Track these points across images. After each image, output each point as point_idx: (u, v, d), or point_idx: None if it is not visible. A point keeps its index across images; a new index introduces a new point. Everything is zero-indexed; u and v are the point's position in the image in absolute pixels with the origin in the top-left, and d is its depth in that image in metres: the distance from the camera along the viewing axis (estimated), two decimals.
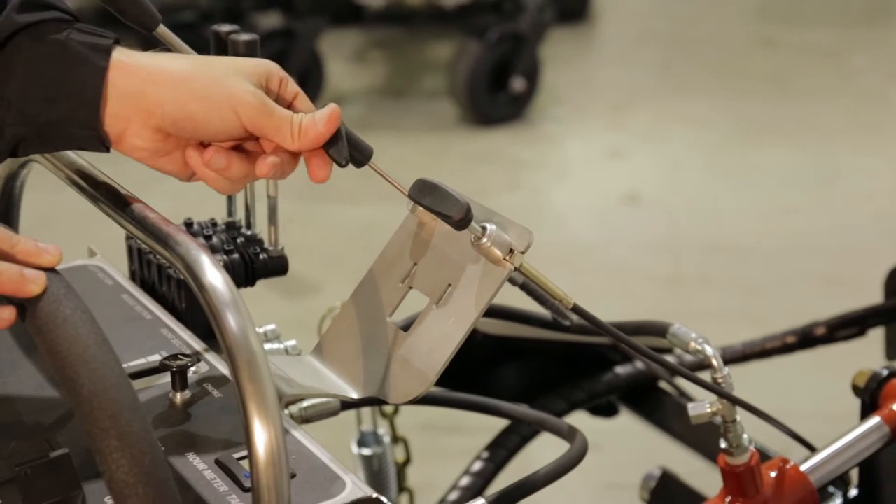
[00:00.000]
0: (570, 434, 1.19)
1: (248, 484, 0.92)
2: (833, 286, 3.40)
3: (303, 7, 4.67)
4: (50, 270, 0.90)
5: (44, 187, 1.35)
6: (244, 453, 0.93)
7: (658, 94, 4.97)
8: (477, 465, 1.52)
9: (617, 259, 3.62)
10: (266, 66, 1.00)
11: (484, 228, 1.01)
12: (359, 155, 1.02)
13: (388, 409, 1.60)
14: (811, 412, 2.34)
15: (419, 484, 1.73)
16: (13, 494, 0.87)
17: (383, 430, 1.62)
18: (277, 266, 1.22)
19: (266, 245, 1.23)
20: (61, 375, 0.83)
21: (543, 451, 1.45)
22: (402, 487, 1.66)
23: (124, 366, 0.85)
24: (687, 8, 6.10)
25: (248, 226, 1.25)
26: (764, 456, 1.34)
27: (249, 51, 1.12)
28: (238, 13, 4.87)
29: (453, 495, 1.50)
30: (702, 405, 1.22)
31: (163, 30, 1.06)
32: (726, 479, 1.26)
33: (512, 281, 1.14)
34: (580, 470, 1.15)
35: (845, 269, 3.48)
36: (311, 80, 4.54)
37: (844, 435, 1.34)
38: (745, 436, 1.23)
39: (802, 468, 1.30)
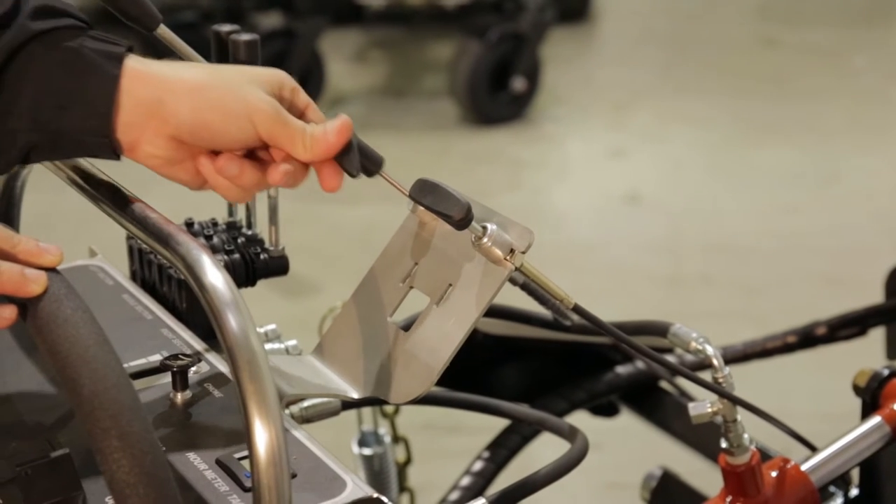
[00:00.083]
0: (570, 434, 1.19)
1: (248, 484, 0.92)
2: (833, 286, 3.40)
3: (303, 7, 4.66)
4: (51, 270, 0.90)
5: (44, 187, 1.35)
6: (245, 453, 0.93)
7: (658, 94, 4.97)
8: (478, 465, 1.52)
9: (617, 259, 3.62)
10: (278, 75, 1.00)
11: (484, 228, 1.01)
12: (370, 165, 1.02)
13: (389, 408, 1.60)
14: (812, 412, 2.34)
15: (420, 484, 1.73)
16: (14, 494, 0.87)
17: (384, 429, 1.62)
18: (278, 266, 1.22)
19: (267, 245, 1.23)
20: (62, 375, 0.83)
21: (544, 450, 1.45)
22: (402, 487, 1.66)
23: (125, 366, 0.85)
24: (687, 8, 6.09)
25: (249, 226, 1.25)
26: (765, 455, 1.34)
27: (250, 51, 1.12)
28: (238, 13, 4.87)
29: (454, 495, 1.50)
30: (703, 405, 1.22)
31: (163, 30, 1.06)
32: (727, 478, 1.26)
33: (513, 281, 1.13)
34: (581, 470, 1.15)
35: (846, 269, 3.48)
36: (311, 80, 4.53)
37: (845, 434, 1.34)
38: (745, 435, 1.23)
39: (803, 468, 1.30)
